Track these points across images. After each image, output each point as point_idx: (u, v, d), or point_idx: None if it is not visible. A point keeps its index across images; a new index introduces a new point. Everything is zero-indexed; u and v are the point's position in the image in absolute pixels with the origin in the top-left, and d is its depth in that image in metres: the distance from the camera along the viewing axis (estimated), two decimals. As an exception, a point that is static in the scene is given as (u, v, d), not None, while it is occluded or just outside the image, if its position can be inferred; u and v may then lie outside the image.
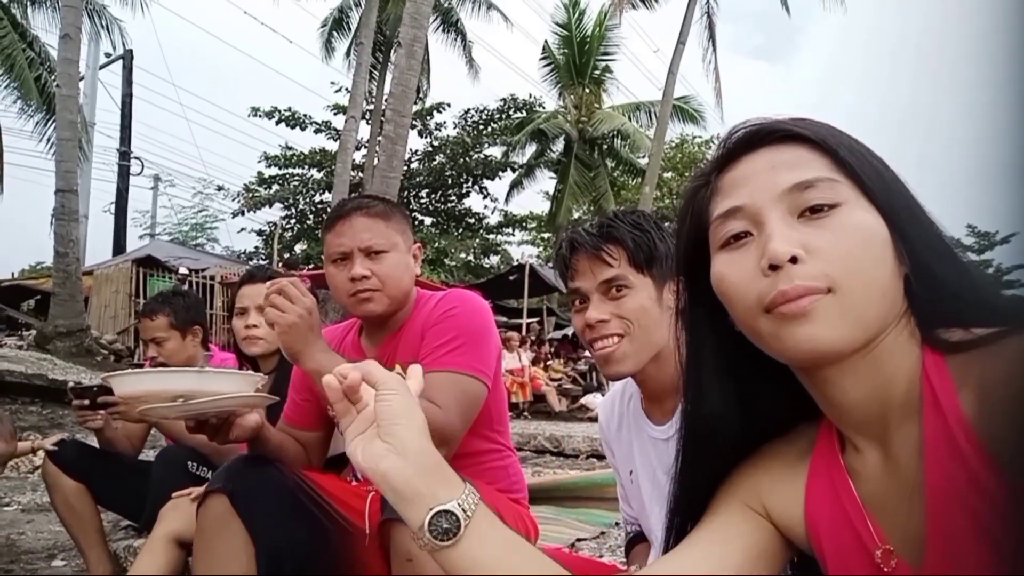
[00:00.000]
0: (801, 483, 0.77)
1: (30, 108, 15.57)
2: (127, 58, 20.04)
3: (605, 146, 24.43)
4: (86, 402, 2.13)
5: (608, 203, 22.97)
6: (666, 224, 1.24)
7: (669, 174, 27.84)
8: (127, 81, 20.00)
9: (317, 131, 23.56)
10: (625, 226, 1.22)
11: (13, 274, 21.36)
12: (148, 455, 2.58)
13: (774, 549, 0.79)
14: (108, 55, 19.98)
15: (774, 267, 0.68)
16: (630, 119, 23.73)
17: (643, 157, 23.19)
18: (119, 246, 19.39)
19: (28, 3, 16.27)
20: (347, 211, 1.64)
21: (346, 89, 18.34)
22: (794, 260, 0.67)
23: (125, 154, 19.92)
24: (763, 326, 0.70)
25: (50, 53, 15.39)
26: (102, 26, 17.73)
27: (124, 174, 20.01)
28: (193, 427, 1.49)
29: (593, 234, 1.23)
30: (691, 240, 0.81)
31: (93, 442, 2.46)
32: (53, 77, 14.00)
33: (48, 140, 15.26)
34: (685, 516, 0.83)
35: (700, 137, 28.06)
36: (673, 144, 28.41)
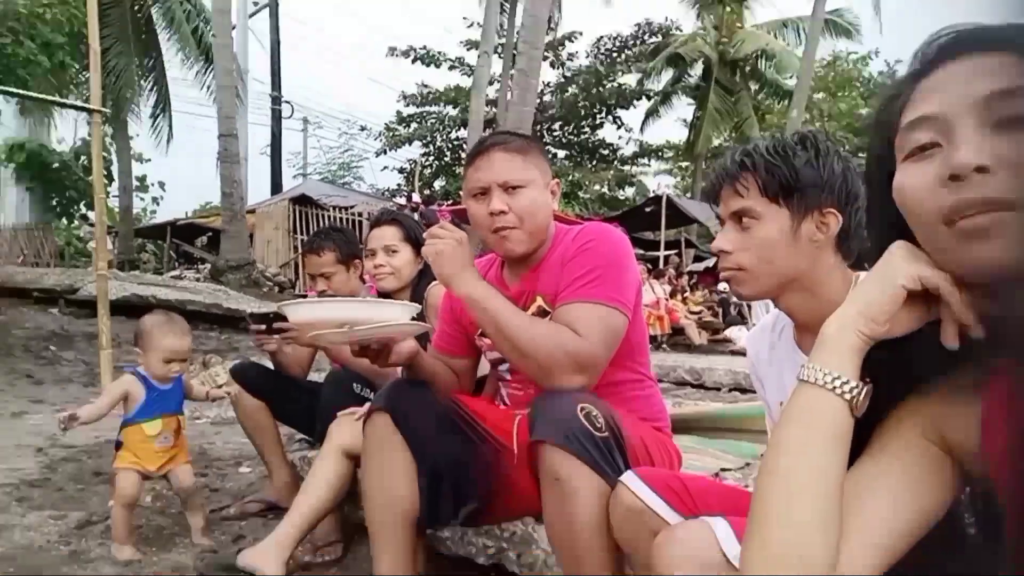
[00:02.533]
0: (977, 410, 0.73)
1: (189, 59, 16.77)
2: (273, 5, 20.95)
3: (748, 68, 23.01)
4: (263, 327, 2.36)
5: (751, 129, 21.78)
6: (825, 150, 1.19)
7: (820, 95, 25.86)
8: (275, 28, 20.96)
9: (451, 68, 23.76)
10: (763, 154, 1.19)
11: (187, 213, 23.48)
12: (315, 377, 2.83)
13: (950, 480, 0.76)
14: (256, 3, 20.98)
15: (956, 177, 0.64)
16: (776, 37, 22.15)
17: (790, 78, 21.68)
18: (276, 185, 20.71)
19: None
20: (486, 147, 1.67)
21: (478, 24, 18.28)
22: (980, 170, 0.63)
23: (277, 99, 21.06)
24: (941, 240, 0.67)
25: (204, 5, 16.38)
26: (250, -25, 18.61)
27: (277, 118, 21.20)
28: (357, 352, 1.62)
29: (733, 162, 1.22)
30: (880, 155, 0.77)
31: (268, 365, 2.73)
32: (209, 27, 14.92)
33: (208, 88, 16.43)
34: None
35: (855, 53, 25.76)
36: (824, 62, 26.25)
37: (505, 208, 1.60)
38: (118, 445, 2.27)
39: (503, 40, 18.41)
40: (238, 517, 2.57)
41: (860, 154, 0.87)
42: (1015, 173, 0.62)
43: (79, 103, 10.49)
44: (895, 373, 0.79)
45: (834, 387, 0.74)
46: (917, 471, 0.76)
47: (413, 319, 1.60)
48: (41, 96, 9.47)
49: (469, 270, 1.54)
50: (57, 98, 10.79)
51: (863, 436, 0.80)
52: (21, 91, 7.54)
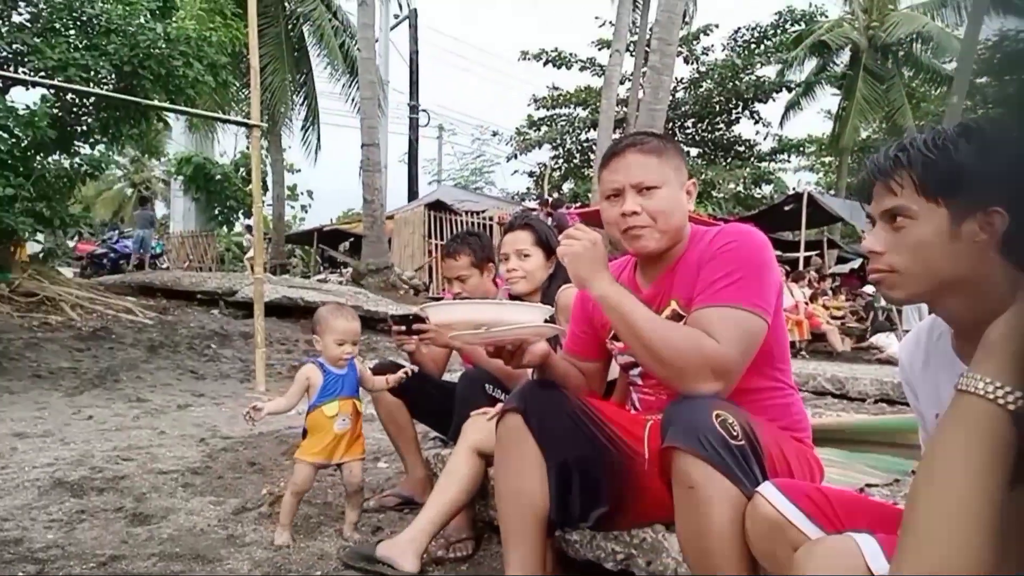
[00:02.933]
0: None
1: (337, 72, 17.81)
2: (412, 17, 21.84)
3: (901, 53, 21.43)
4: (403, 328, 2.47)
5: (904, 118, 20.27)
6: (992, 140, 1.08)
7: (984, 79, 23.62)
8: (413, 39, 21.84)
9: (582, 69, 23.80)
10: (921, 148, 1.10)
11: (331, 220, 24.91)
12: (449, 377, 2.91)
13: None
14: (396, 16, 21.95)
15: None
16: (933, 18, 20.45)
17: (950, 61, 19.97)
18: (412, 192, 21.59)
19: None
20: (621, 148, 1.66)
21: (610, 22, 18.18)
22: None
23: (414, 107, 21.93)
24: None
25: (350, 20, 17.32)
26: (390, -11, 19.50)
27: (414, 126, 22.08)
28: (491, 352, 1.65)
29: (888, 157, 1.13)
30: None
31: (406, 364, 2.84)
32: (354, 42, 15.76)
33: (352, 100, 17.37)
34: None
35: (1027, 31, 23.33)
36: (990, 43, 23.92)
37: (638, 209, 1.60)
38: (304, 434, 2.41)
39: (635, 38, 18.21)
40: (376, 510, 2.70)
41: None
42: None
43: (240, 119, 11.42)
44: None
45: (995, 396, 0.70)
46: None
47: (545, 321, 1.63)
48: (207, 113, 10.39)
49: (604, 272, 1.53)
50: (221, 115, 11.80)
51: None
52: (190, 110, 8.29)
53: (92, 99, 7.47)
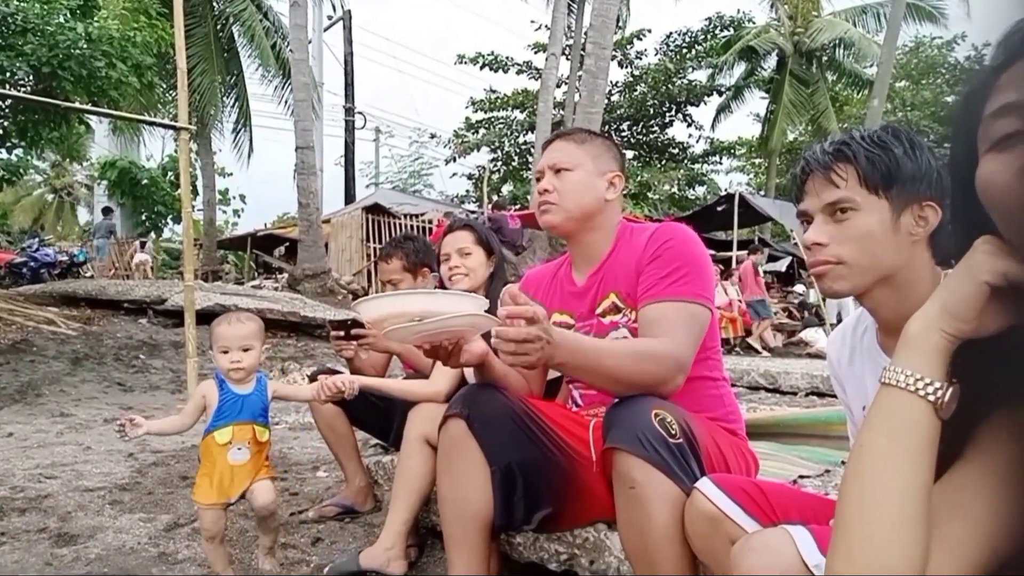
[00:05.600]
0: None
1: (269, 74, 17.42)
2: (346, 18, 21.54)
3: (825, 58, 22.27)
4: (341, 333, 2.44)
5: (828, 121, 21.06)
6: (918, 141, 1.13)
7: (902, 83, 24.76)
8: (347, 41, 21.53)
9: (519, 72, 23.89)
10: (861, 143, 1.14)
11: (266, 224, 24.36)
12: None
13: None
14: (330, 17, 21.63)
15: None
16: (855, 25, 21.33)
17: (870, 66, 20.86)
18: (349, 195, 21.26)
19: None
20: (552, 137, 1.81)
21: (545, 26, 18.32)
22: None
23: (350, 110, 21.61)
24: None
25: (282, 21, 16.99)
26: (323, -11, 19.18)
27: (350, 129, 21.76)
28: (428, 350, 1.60)
29: (826, 152, 1.16)
30: (964, 147, 0.73)
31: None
32: (286, 43, 15.45)
33: (285, 102, 17.02)
34: (945, 444, 0.75)
35: (940, 38, 24.55)
36: (907, 49, 25.13)
37: (550, 187, 1.72)
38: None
39: (570, 42, 18.39)
40: (316, 521, 2.64)
41: (945, 144, 0.82)
42: None
43: (167, 121, 11.04)
44: (993, 372, 0.74)
45: (917, 389, 0.72)
46: (1017, 475, 0.71)
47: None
48: (132, 116, 10.01)
49: (561, 344, 1.39)
50: (147, 117, 11.39)
51: (959, 441, 0.76)
52: (114, 112, 7.97)
53: (8, 101, 7.12)
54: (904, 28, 18.42)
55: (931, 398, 0.71)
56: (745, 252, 15.46)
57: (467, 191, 26.50)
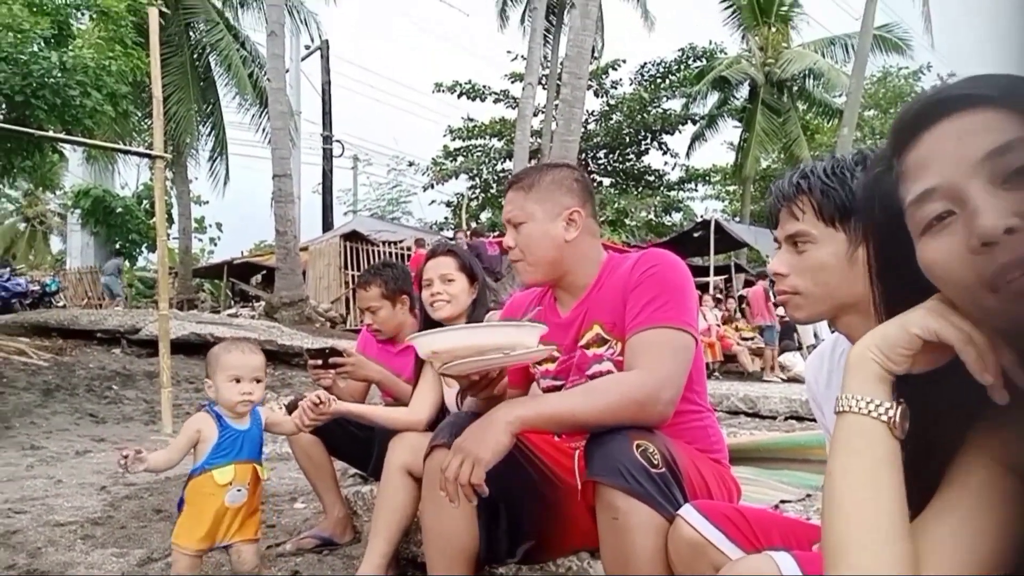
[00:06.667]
0: None
1: (246, 102, 17.42)
2: (324, 48, 21.65)
3: (795, 88, 22.79)
4: (319, 362, 2.41)
5: (800, 149, 21.48)
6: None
7: (871, 112, 25.37)
8: (325, 70, 21.62)
9: (496, 101, 24.13)
10: (819, 176, 1.17)
11: (243, 252, 24.19)
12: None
13: None
14: (307, 47, 21.72)
15: (988, 244, 0.64)
16: (823, 56, 21.92)
17: (839, 96, 21.36)
18: (327, 223, 21.21)
19: (238, 5, 18.09)
20: (507, 186, 1.78)
21: (522, 56, 18.57)
22: (1010, 231, 0.63)
23: (328, 138, 21.64)
24: (992, 305, 0.66)
25: (259, 50, 17.04)
26: (301, 20, 19.31)
27: (328, 157, 21.76)
28: (473, 382, 1.51)
29: (789, 184, 1.19)
30: (885, 230, 0.77)
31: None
32: (263, 72, 15.49)
33: (263, 130, 17.02)
34: (923, 480, 0.78)
35: (906, 68, 25.26)
36: (875, 79, 25.79)
37: (512, 244, 1.70)
38: (180, 505, 1.93)
39: (547, 71, 18.64)
40: (294, 553, 2.59)
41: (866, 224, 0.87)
42: None
43: (142, 150, 10.98)
44: (958, 396, 0.76)
45: (868, 411, 0.75)
46: (988, 499, 0.73)
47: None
48: (106, 144, 9.94)
49: (499, 423, 1.39)
50: (121, 145, 11.31)
51: (933, 474, 0.78)
52: (88, 140, 7.91)
53: (-20, 130, 7.05)
54: (871, 59, 18.94)
55: (883, 418, 0.74)
56: (723, 279, 15.66)
57: (446, 218, 26.58)
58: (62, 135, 7.33)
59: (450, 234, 15.26)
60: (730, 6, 22.52)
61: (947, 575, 0.70)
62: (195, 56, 16.90)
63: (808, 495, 2.18)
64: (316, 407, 2.02)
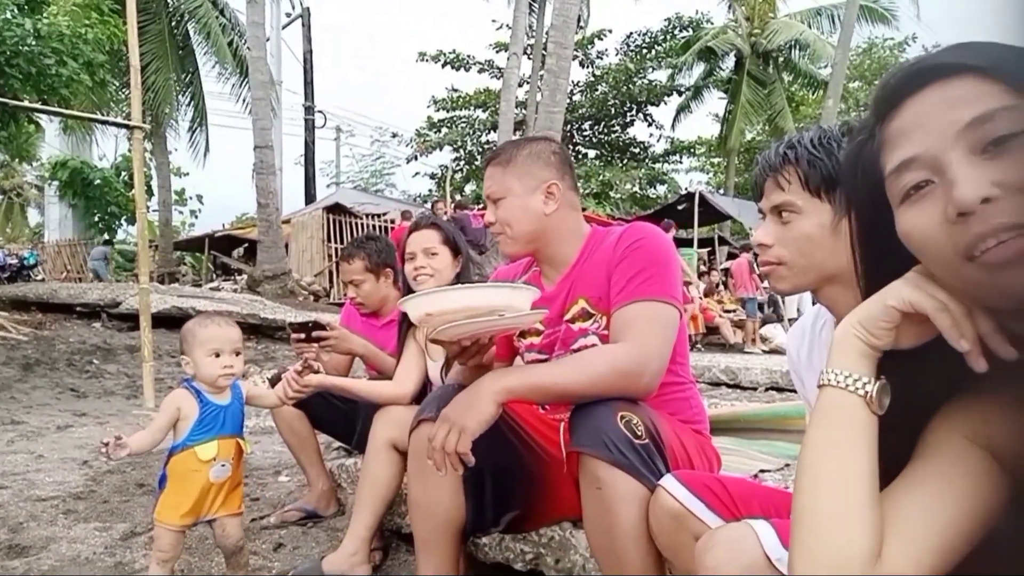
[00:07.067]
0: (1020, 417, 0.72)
1: (226, 72, 17.11)
2: (305, 16, 21.27)
3: (781, 59, 22.70)
4: (302, 336, 2.39)
5: (785, 121, 21.47)
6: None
7: (856, 84, 25.37)
8: (307, 38, 21.26)
9: (481, 71, 23.87)
10: (805, 147, 1.16)
11: (224, 225, 23.93)
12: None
13: (998, 484, 0.75)
14: (288, 15, 21.33)
15: (964, 213, 0.64)
16: (809, 26, 21.81)
17: (825, 67, 21.33)
18: (310, 195, 21.01)
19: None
20: (485, 162, 1.78)
21: (507, 26, 18.33)
22: (987, 201, 0.63)
23: (310, 108, 21.36)
24: (968, 275, 0.66)
25: (239, 18, 16.70)
26: (282, -13, 18.91)
27: (310, 128, 21.50)
28: (464, 348, 1.48)
29: (777, 154, 1.19)
30: (867, 200, 0.77)
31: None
32: (243, 40, 15.21)
33: (243, 101, 16.74)
34: (895, 454, 0.79)
35: (892, 39, 25.24)
36: (860, 50, 25.76)
37: (492, 219, 1.71)
38: (162, 482, 1.88)
39: (532, 41, 18.43)
40: (278, 526, 2.60)
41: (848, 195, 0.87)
42: (1020, 193, 0.62)
43: (120, 120, 10.77)
44: (942, 375, 0.77)
45: (847, 386, 0.76)
46: (959, 472, 0.75)
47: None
48: (84, 115, 9.74)
49: (485, 393, 1.39)
50: (99, 116, 11.10)
51: (906, 445, 0.79)
52: (65, 111, 7.74)
53: (-49, 99, 6.87)
54: (857, 29, 18.87)
55: (860, 393, 0.76)
56: (706, 251, 15.71)
57: (430, 190, 26.42)
58: (38, 105, 7.19)
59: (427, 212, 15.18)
60: (717, -25, 22.33)
61: (912, 547, 0.72)
62: (173, 24, 16.55)
63: (787, 465, 2.21)
64: (300, 375, 2.01)
